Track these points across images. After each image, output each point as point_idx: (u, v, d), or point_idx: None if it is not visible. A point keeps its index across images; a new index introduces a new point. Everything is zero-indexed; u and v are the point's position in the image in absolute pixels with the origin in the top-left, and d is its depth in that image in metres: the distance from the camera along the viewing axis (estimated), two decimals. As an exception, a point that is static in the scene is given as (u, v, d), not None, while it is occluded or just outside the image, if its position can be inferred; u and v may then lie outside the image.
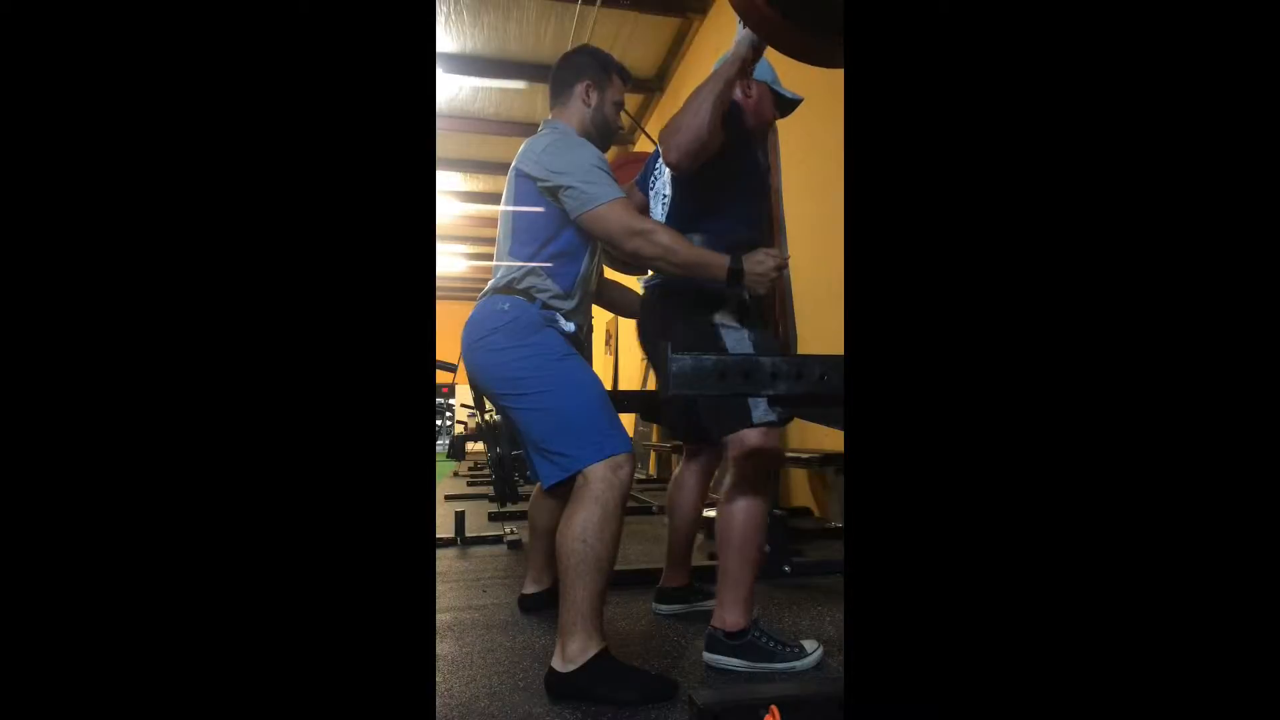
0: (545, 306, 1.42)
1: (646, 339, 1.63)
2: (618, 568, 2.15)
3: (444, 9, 4.57)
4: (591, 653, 1.26)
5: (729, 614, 1.42)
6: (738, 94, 1.49)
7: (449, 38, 4.94)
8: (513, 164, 1.47)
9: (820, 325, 2.85)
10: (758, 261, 1.37)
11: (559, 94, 1.55)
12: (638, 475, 5.67)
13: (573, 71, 1.54)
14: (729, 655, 1.42)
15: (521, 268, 1.42)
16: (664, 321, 1.54)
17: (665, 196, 1.60)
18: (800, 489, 3.47)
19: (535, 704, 1.26)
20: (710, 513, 2.97)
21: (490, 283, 1.49)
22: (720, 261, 1.35)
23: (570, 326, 1.45)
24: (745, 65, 1.36)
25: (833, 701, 1.16)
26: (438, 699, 1.27)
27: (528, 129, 6.19)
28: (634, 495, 4.19)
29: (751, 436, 1.42)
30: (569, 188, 1.36)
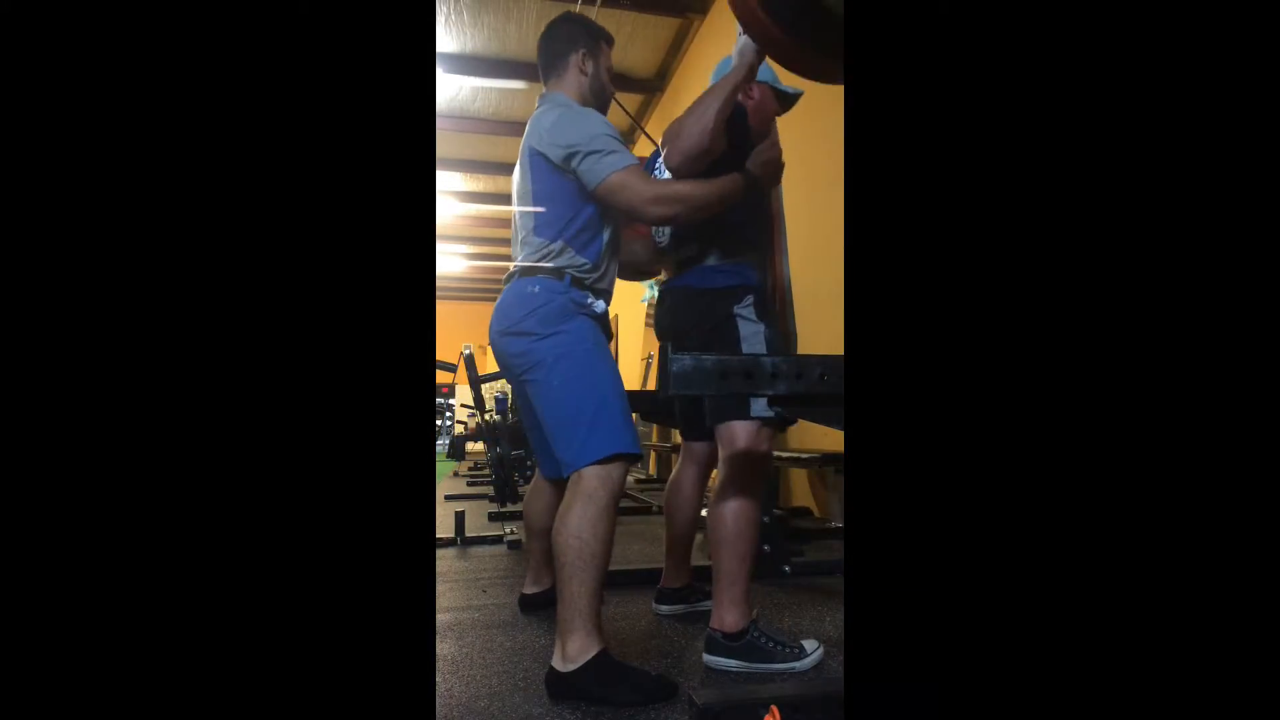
0: (575, 282, 1.41)
1: (664, 337, 1.62)
2: (618, 567, 2.17)
3: (444, 9, 4.57)
4: (591, 652, 1.26)
5: (727, 615, 1.42)
6: (740, 96, 1.50)
7: (449, 38, 4.93)
8: (524, 143, 1.47)
9: (820, 325, 2.85)
10: (760, 156, 1.42)
11: (553, 66, 1.53)
12: (638, 475, 5.73)
13: (565, 42, 1.52)
14: (728, 657, 1.42)
15: (545, 250, 1.41)
16: (682, 318, 1.54)
17: None
18: (800, 489, 3.47)
19: (535, 704, 1.26)
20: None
21: (514, 266, 1.47)
22: (737, 181, 1.39)
23: (600, 306, 1.45)
24: (751, 71, 1.37)
25: (833, 701, 1.16)
26: (438, 699, 1.27)
27: (528, 129, 6.18)
28: (634, 495, 4.19)
29: (742, 435, 1.43)
30: (582, 159, 1.35)
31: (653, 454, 5.94)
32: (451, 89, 5.60)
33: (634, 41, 5.07)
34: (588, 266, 1.43)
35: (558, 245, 1.41)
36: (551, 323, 1.38)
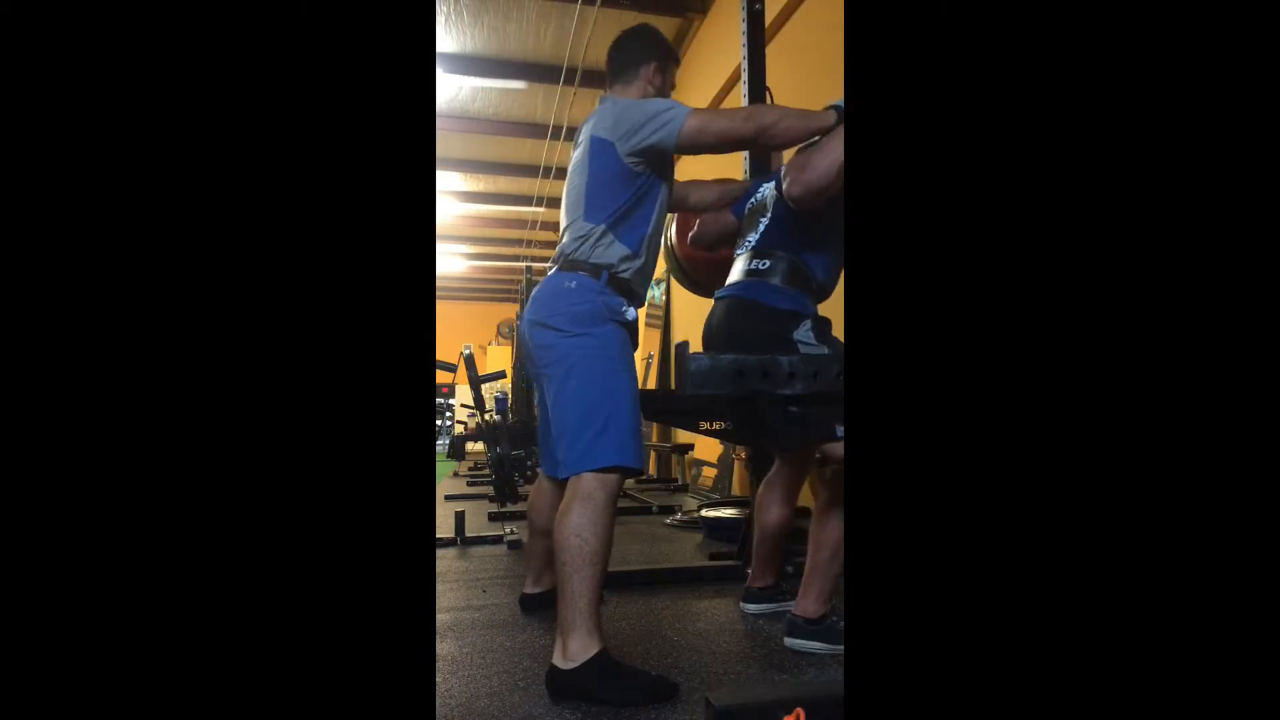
0: (611, 282, 1.42)
1: (716, 347, 1.63)
2: (618, 568, 2.16)
3: (444, 9, 4.57)
4: (592, 651, 1.26)
5: (811, 603, 1.51)
6: None
7: (449, 38, 4.93)
8: (585, 133, 1.48)
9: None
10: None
11: (623, 72, 1.55)
12: (639, 475, 5.72)
13: (639, 52, 1.55)
14: (810, 639, 1.49)
15: (589, 234, 1.42)
16: (740, 335, 1.56)
17: (762, 219, 1.62)
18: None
19: (535, 704, 1.26)
20: (711, 513, 2.96)
21: (557, 251, 1.50)
22: (827, 116, 1.41)
23: (632, 314, 1.46)
24: None
25: (833, 701, 1.16)
26: (438, 699, 1.27)
27: (528, 129, 6.19)
28: (634, 495, 4.19)
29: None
30: (654, 130, 1.38)
31: (653, 454, 5.94)
32: (451, 89, 5.60)
33: (634, 41, 5.07)
34: (628, 254, 1.43)
35: (600, 229, 1.42)
36: (582, 323, 1.38)
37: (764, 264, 1.56)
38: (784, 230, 1.57)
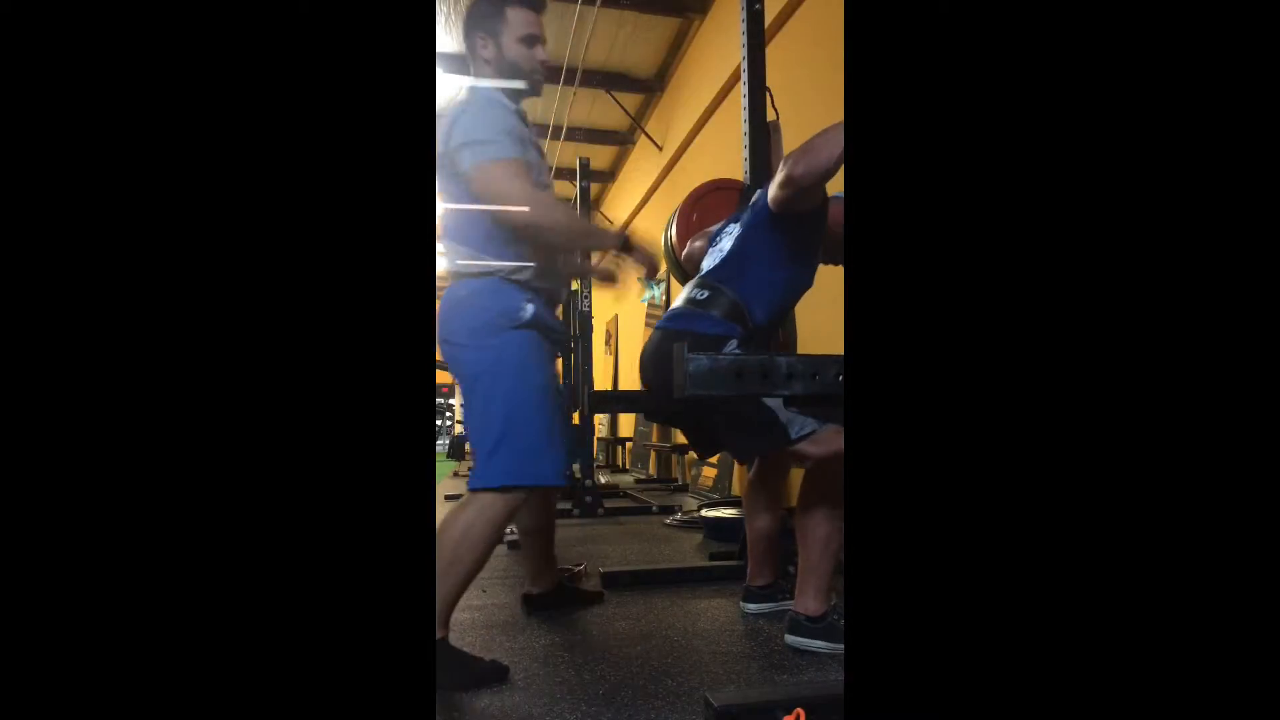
0: (504, 279, 1.34)
1: (653, 379, 1.60)
2: (619, 568, 2.17)
3: (444, 9, 4.57)
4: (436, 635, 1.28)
5: (811, 601, 1.52)
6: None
7: (449, 38, 4.94)
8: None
9: (820, 325, 2.85)
10: (612, 262, 1.40)
11: (469, 56, 1.43)
12: (638, 475, 5.71)
13: (465, 35, 1.41)
14: (811, 638, 1.51)
15: (462, 249, 1.35)
16: (666, 364, 1.51)
17: (722, 251, 1.61)
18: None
19: (535, 704, 1.26)
20: (711, 513, 2.96)
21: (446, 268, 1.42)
22: (609, 236, 1.37)
23: (530, 311, 1.35)
24: None
25: (833, 701, 1.16)
26: (438, 699, 1.27)
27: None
28: (634, 495, 4.19)
29: (819, 441, 1.45)
30: (465, 147, 1.26)
31: (652, 454, 5.94)
32: (451, 89, 5.59)
33: (634, 41, 5.07)
34: (514, 266, 1.34)
35: (469, 251, 1.34)
36: (476, 335, 1.32)
37: (703, 294, 1.55)
38: (733, 266, 1.56)
